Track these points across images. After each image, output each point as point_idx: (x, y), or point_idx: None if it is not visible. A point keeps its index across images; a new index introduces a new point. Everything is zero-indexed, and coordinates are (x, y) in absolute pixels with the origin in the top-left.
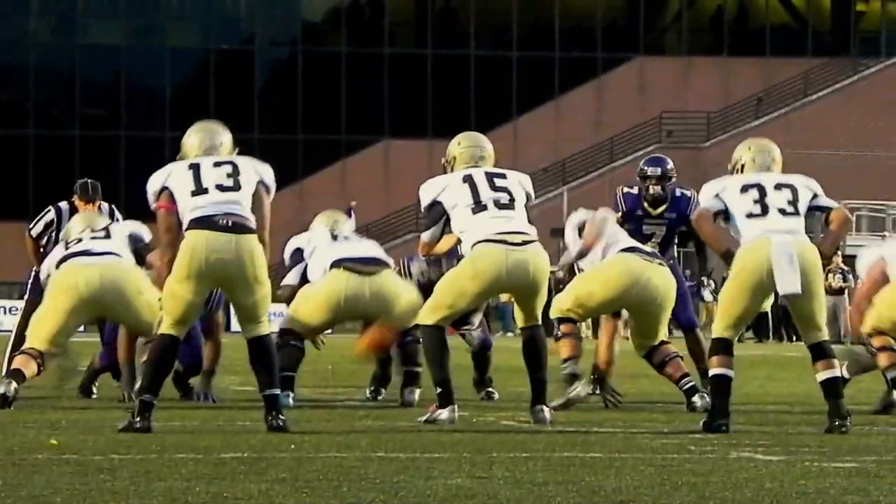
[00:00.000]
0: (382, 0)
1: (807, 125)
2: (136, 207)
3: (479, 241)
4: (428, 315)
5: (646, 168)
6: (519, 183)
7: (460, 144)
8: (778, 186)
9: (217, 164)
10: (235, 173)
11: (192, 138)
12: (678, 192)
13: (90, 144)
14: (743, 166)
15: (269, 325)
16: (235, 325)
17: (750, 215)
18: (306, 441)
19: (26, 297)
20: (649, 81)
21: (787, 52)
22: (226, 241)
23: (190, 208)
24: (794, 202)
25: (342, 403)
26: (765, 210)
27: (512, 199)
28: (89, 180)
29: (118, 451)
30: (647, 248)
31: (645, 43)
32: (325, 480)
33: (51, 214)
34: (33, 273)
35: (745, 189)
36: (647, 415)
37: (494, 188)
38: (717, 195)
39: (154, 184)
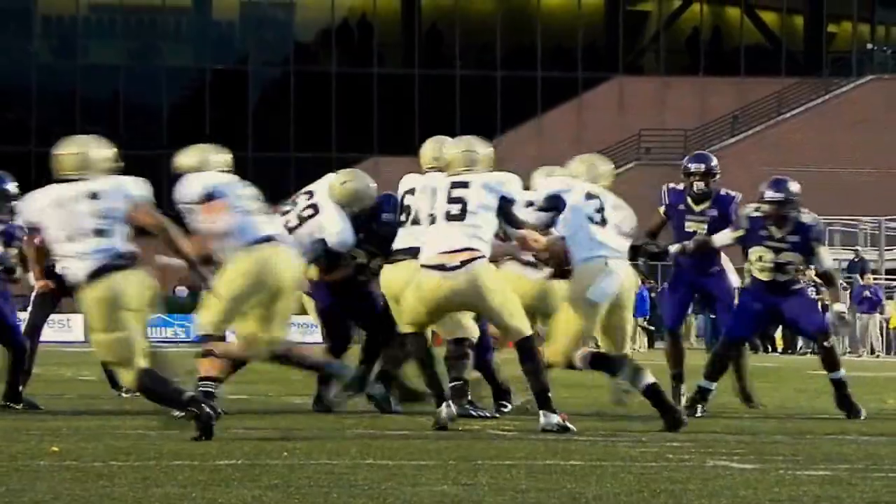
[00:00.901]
0: (371, 22)
1: (780, 143)
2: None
3: (421, 266)
4: (404, 325)
5: (689, 165)
6: (483, 187)
7: (454, 148)
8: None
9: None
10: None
11: None
12: (722, 192)
13: None
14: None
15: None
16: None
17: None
18: (298, 448)
19: (29, 309)
20: (628, 100)
21: (761, 71)
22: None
23: None
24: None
25: (333, 411)
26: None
27: (464, 210)
28: None
29: (117, 458)
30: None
31: (624, 63)
32: (315, 487)
33: None
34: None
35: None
36: (627, 423)
37: (450, 199)
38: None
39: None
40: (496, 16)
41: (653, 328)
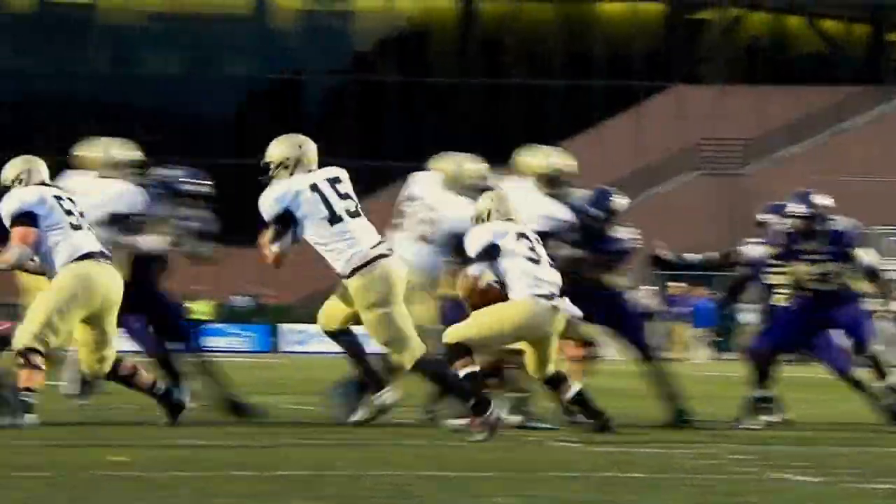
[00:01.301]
0: (428, 30)
1: (840, 152)
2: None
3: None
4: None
5: (790, 206)
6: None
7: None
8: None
9: None
10: None
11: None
12: (833, 227)
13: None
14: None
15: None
16: (288, 345)
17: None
18: (357, 459)
19: None
20: (686, 109)
21: (821, 80)
22: None
23: None
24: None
25: (391, 422)
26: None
27: (357, 206)
28: None
29: (178, 467)
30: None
31: (682, 72)
32: (374, 498)
33: None
34: None
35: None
36: (686, 435)
37: (340, 196)
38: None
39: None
40: (553, 24)
41: (721, 338)
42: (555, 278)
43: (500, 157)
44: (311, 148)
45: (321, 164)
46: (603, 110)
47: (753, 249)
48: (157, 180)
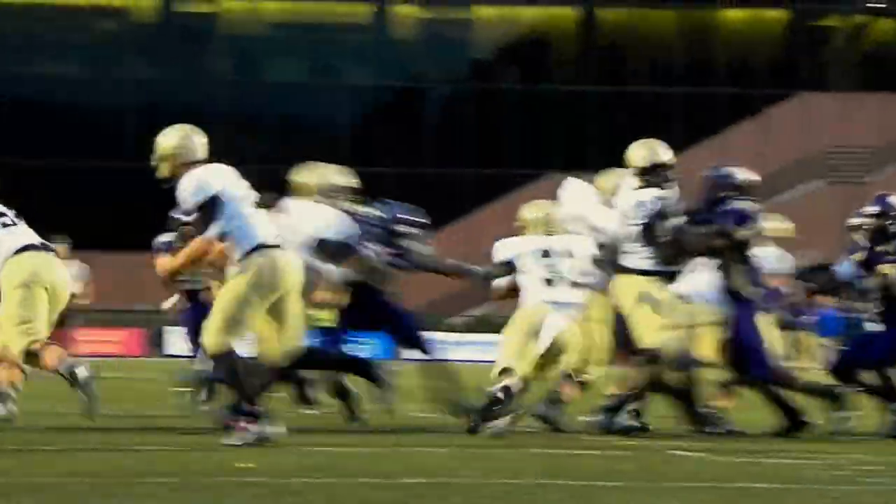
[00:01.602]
0: (548, 38)
1: None
2: None
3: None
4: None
5: (864, 208)
6: None
7: None
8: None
9: None
10: None
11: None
12: None
13: (269, 179)
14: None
15: None
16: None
17: None
18: (480, 467)
19: None
20: (812, 117)
21: None
22: None
23: None
24: None
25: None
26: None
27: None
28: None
29: (305, 474)
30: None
31: (807, 79)
32: None
33: None
34: None
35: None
36: (817, 445)
37: None
38: None
39: None
40: (675, 31)
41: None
42: (569, 297)
43: (621, 165)
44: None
45: (444, 174)
46: (725, 118)
47: (843, 269)
48: (370, 216)
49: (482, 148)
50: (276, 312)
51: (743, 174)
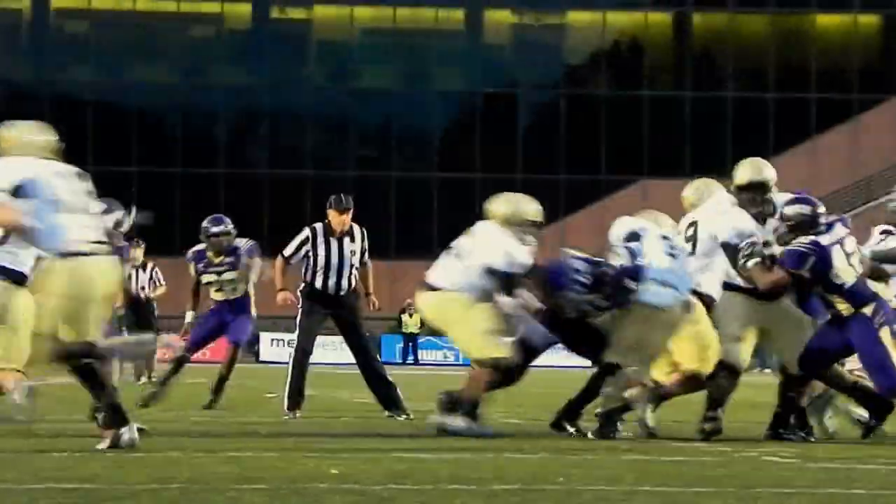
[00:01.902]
0: (642, 43)
1: None
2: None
3: None
4: None
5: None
6: None
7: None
8: None
9: None
10: None
11: None
12: None
13: (363, 185)
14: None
15: None
16: None
17: None
18: (573, 473)
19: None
20: None
21: None
22: None
23: None
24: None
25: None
26: None
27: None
28: (342, 194)
29: (396, 480)
30: None
31: None
32: None
33: (305, 233)
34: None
35: None
36: None
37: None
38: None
39: None
40: (769, 37)
41: None
42: None
43: (713, 170)
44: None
45: (536, 180)
46: (819, 123)
47: None
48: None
49: (574, 154)
50: (74, 319)
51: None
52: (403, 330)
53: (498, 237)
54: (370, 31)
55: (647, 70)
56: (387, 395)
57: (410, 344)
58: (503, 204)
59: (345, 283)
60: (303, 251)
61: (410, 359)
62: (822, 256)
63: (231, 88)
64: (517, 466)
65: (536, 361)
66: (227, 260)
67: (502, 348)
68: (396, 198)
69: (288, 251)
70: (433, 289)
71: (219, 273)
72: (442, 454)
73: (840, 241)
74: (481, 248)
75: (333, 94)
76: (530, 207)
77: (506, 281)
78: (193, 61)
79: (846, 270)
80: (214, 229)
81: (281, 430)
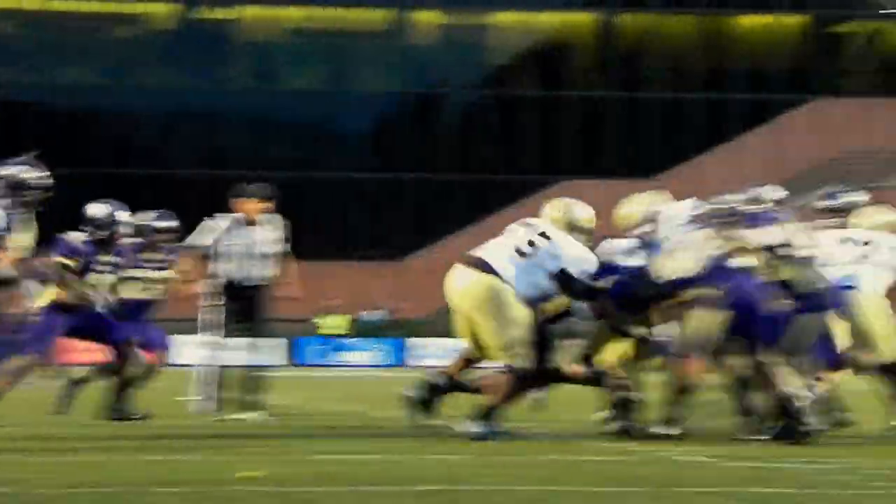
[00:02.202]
0: (567, 44)
1: None
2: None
3: None
4: None
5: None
6: None
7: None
8: None
9: None
10: None
11: None
12: None
13: (289, 186)
14: None
15: None
16: (419, 359)
17: None
18: (497, 474)
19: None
20: (826, 122)
21: None
22: None
23: None
24: None
25: (530, 436)
26: None
27: None
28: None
29: (319, 482)
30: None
31: (822, 85)
32: None
33: (219, 223)
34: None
35: None
36: (832, 450)
37: None
38: None
39: None
40: (694, 38)
41: None
42: None
43: (638, 171)
44: None
45: (462, 180)
46: (742, 124)
47: None
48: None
49: (499, 154)
50: None
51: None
52: (322, 332)
53: (572, 242)
54: (297, 32)
55: (573, 70)
56: (245, 398)
57: (330, 346)
58: (559, 209)
59: (258, 274)
60: (216, 242)
61: (330, 360)
62: None
63: (156, 89)
64: (441, 467)
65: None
66: (166, 258)
67: (523, 358)
68: (322, 199)
69: (203, 241)
70: (486, 269)
71: (153, 270)
72: (365, 455)
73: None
74: (556, 250)
75: (259, 94)
76: (584, 213)
77: (579, 287)
78: (118, 62)
79: None
80: (163, 224)
81: (202, 433)
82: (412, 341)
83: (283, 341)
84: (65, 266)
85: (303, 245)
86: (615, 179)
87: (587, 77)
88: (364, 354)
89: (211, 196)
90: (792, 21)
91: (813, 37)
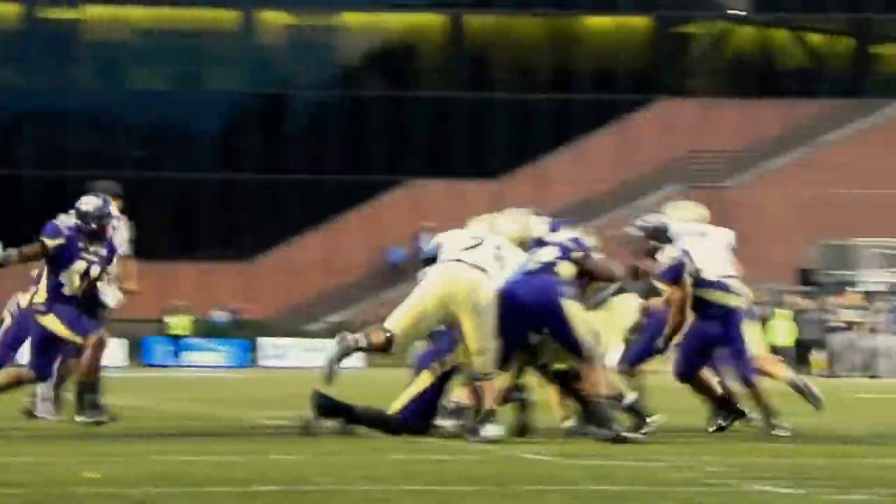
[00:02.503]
0: (415, 45)
1: (825, 164)
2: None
3: None
4: None
5: None
6: None
7: None
8: None
9: None
10: None
11: None
12: None
13: (135, 186)
14: None
15: None
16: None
17: None
18: (335, 474)
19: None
20: (672, 122)
21: (806, 93)
22: None
23: None
24: None
25: (370, 434)
26: None
27: None
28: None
29: (156, 483)
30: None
31: (668, 85)
32: None
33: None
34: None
35: None
36: (665, 447)
37: None
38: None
39: None
40: (540, 38)
41: None
42: None
43: (485, 171)
44: None
45: (308, 180)
46: (588, 124)
47: None
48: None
49: (347, 154)
50: None
51: None
52: (169, 332)
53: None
54: (143, 32)
55: (420, 71)
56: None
57: (176, 346)
58: (517, 225)
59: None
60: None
61: (176, 361)
62: None
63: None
64: (280, 468)
65: (307, 363)
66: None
67: (494, 366)
68: (168, 199)
69: (52, 242)
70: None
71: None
72: (205, 456)
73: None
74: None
75: (105, 94)
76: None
77: None
78: None
79: None
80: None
81: (38, 434)
82: (260, 341)
83: (124, 342)
84: (44, 245)
85: (149, 245)
86: (462, 180)
87: (434, 78)
88: (211, 355)
89: (55, 196)
90: (637, 22)
91: (658, 38)
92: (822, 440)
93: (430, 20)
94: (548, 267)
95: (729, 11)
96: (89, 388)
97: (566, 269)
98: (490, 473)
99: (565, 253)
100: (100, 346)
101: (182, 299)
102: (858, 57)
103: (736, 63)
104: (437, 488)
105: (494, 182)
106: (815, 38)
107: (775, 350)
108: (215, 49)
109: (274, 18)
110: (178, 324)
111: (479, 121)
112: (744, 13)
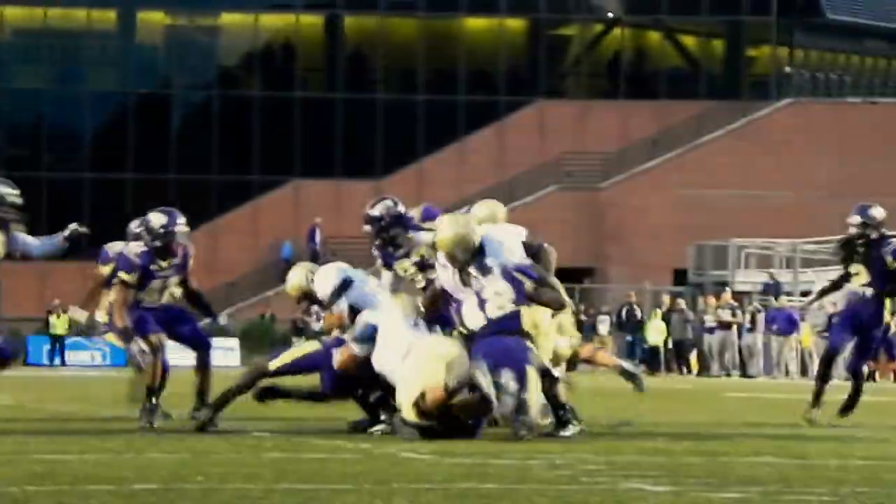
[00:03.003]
0: (294, 45)
1: (699, 165)
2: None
3: None
4: None
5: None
6: None
7: None
8: None
9: None
10: None
11: None
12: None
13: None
14: None
15: None
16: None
17: None
18: (213, 472)
19: None
20: (549, 124)
21: (680, 95)
22: None
23: None
24: None
25: (250, 434)
26: None
27: None
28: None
29: (33, 481)
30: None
31: (545, 87)
32: None
33: None
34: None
35: None
36: (543, 446)
37: None
38: None
39: None
40: (419, 39)
41: None
42: None
43: (366, 171)
44: None
45: (189, 180)
46: (466, 125)
47: None
48: None
49: (227, 154)
50: None
51: None
52: (51, 331)
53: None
54: (20, 32)
55: (298, 71)
56: None
57: (58, 345)
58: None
59: None
60: None
61: (57, 360)
62: None
63: None
64: (158, 466)
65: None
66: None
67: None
68: (46, 198)
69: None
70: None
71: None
72: (83, 455)
73: None
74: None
75: None
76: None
77: None
78: None
79: None
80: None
81: None
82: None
83: None
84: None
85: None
86: (342, 180)
87: (313, 78)
88: (91, 354)
89: None
90: (515, 24)
91: (535, 40)
92: (695, 438)
93: (310, 21)
94: (515, 317)
95: (609, 15)
96: None
97: (524, 312)
98: (367, 471)
99: (521, 297)
100: None
101: (64, 299)
102: (731, 59)
103: (611, 65)
104: (314, 486)
105: (375, 182)
106: (688, 41)
107: (653, 350)
108: (94, 49)
109: (152, 18)
110: (59, 323)
111: (359, 121)
112: (613, 15)
